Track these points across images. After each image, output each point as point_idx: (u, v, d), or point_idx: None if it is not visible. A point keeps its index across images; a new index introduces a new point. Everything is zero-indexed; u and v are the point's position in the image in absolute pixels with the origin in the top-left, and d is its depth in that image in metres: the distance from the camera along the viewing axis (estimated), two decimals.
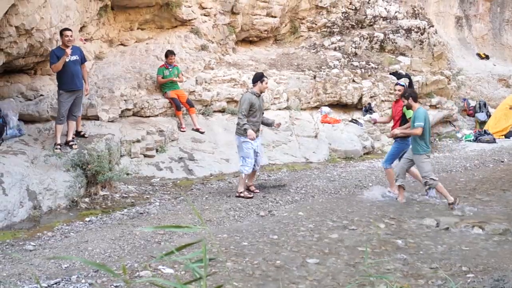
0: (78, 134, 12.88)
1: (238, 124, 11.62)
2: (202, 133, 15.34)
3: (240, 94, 16.57)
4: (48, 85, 13.86)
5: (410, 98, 11.50)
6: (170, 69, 15.51)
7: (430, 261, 7.75)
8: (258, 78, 11.75)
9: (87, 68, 13.30)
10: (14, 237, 9.02)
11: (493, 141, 20.78)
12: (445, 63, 23.94)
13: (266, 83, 12.00)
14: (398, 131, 11.48)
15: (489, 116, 23.38)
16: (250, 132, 11.36)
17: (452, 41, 28.66)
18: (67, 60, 11.89)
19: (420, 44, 22.12)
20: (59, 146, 11.90)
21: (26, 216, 10.04)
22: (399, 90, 12.30)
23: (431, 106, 21.99)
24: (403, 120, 12.28)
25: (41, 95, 13.55)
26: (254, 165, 11.82)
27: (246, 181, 11.86)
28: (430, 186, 11.59)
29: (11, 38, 11.73)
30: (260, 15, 20.24)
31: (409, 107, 11.64)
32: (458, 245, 8.55)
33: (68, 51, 11.94)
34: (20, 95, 13.42)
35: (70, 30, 12.33)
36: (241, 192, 11.53)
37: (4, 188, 9.94)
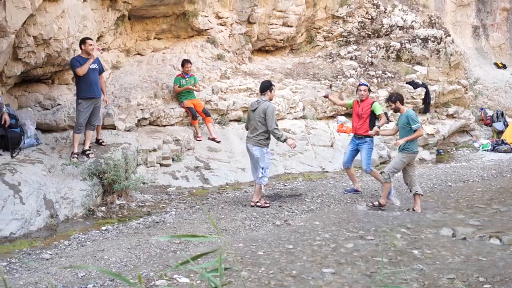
0: (97, 141, 12.97)
1: (259, 135, 11.38)
2: (218, 142, 15.36)
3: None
4: (65, 94, 13.95)
5: (397, 101, 11.66)
6: (187, 79, 15.54)
7: (446, 271, 7.69)
8: (268, 86, 11.66)
9: (104, 78, 13.35)
10: (31, 246, 9.05)
11: (511, 150, 20.63)
12: (462, 73, 23.88)
13: (274, 91, 12.05)
14: (402, 141, 11.47)
15: (506, 125, 23.20)
16: (292, 141, 11.69)
17: (469, 50, 28.57)
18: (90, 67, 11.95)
19: (437, 54, 22.06)
20: (76, 155, 11.95)
21: (43, 225, 10.09)
22: (364, 90, 12.64)
23: (448, 115, 21.93)
24: (371, 119, 12.67)
25: (59, 104, 13.62)
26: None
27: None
28: (382, 178, 11.73)
29: (29, 48, 11.82)
30: (276, 24, 20.30)
31: (397, 110, 11.84)
32: (475, 256, 8.48)
33: (94, 54, 12.04)
34: (38, 105, 13.51)
35: (91, 39, 12.40)
36: (257, 202, 11.49)
37: (21, 196, 9.99)
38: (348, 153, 12.92)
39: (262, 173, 11.46)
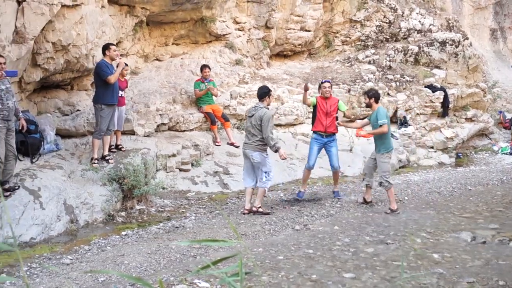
0: (116, 147, 13.02)
1: (258, 140, 11.12)
2: (237, 147, 15.35)
3: (275, 108, 16.62)
4: (84, 100, 14.02)
5: (373, 98, 11.80)
6: (206, 83, 15.58)
7: (466, 275, 7.62)
8: (266, 93, 11.40)
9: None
10: (52, 251, 9.08)
11: None
12: (481, 76, 23.76)
13: (272, 96, 12.00)
14: (364, 132, 11.70)
15: None
16: (283, 151, 11.38)
17: (487, 53, 28.43)
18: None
19: (455, 57, 21.97)
20: (96, 161, 11.99)
21: (63, 230, 10.12)
22: (328, 87, 12.61)
23: (466, 119, 21.83)
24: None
25: (78, 110, 13.70)
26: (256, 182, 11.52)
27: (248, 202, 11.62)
28: (383, 188, 11.76)
29: (48, 54, 11.90)
30: (294, 29, 20.31)
31: (369, 106, 12.05)
32: (495, 259, 8.40)
33: (122, 62, 12.08)
34: (57, 110, 13.60)
35: (114, 44, 12.45)
36: (259, 207, 11.33)
37: (41, 202, 10.04)
38: (315, 154, 12.65)
39: (266, 177, 11.28)
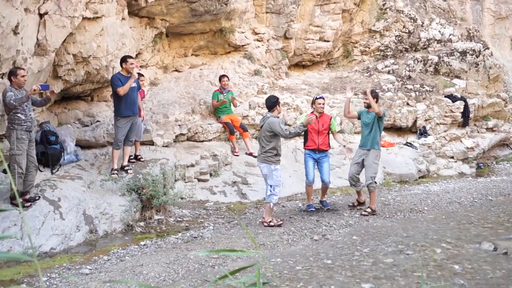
0: (136, 157, 13.09)
1: (266, 152, 11.02)
2: (255, 157, 15.30)
3: (294, 118, 16.62)
4: (104, 111, 14.13)
5: (376, 98, 12.21)
6: (225, 94, 15.62)
7: (487, 286, 7.57)
8: (275, 102, 11.28)
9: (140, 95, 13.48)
10: (71, 261, 9.14)
11: None
12: (502, 86, 23.59)
13: (281, 105, 11.97)
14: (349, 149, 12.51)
15: None
16: (309, 116, 11.13)
17: (508, 63, 28.21)
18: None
19: (476, 67, 21.85)
20: (115, 172, 12.06)
21: (83, 240, 10.19)
22: (322, 104, 12.53)
23: (487, 129, 21.68)
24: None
25: (98, 121, 13.80)
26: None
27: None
28: (370, 189, 12.02)
29: (69, 66, 12.02)
30: (313, 39, 20.34)
31: (369, 106, 12.24)
32: None
33: (135, 74, 12.13)
34: (77, 121, 13.71)
35: (132, 57, 12.52)
36: (270, 221, 11.22)
37: (61, 212, 10.12)
38: (312, 168, 12.52)
39: (270, 191, 11.10)
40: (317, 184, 12.87)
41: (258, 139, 11.63)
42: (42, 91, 10.20)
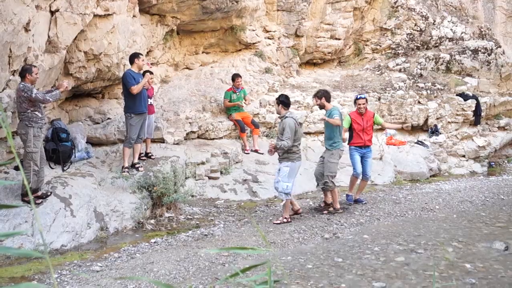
0: (146, 155, 13.10)
1: (291, 150, 11.07)
2: (261, 154, 15.34)
3: (304, 117, 16.61)
4: (115, 108, 14.14)
5: (323, 98, 12.00)
6: (238, 93, 15.60)
7: (499, 285, 7.53)
8: (289, 101, 11.44)
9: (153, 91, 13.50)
10: (82, 258, 9.15)
11: None
12: None
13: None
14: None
15: None
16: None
17: None
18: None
19: (488, 65, 21.74)
20: (127, 169, 12.07)
21: (93, 237, 10.20)
22: (363, 104, 12.67)
23: (499, 127, 21.56)
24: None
25: (108, 118, 13.82)
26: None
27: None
28: (327, 188, 11.97)
29: (80, 63, 12.04)
30: (324, 37, 20.29)
31: (322, 106, 12.13)
32: None
33: (148, 75, 12.13)
34: (88, 119, 13.73)
35: (141, 54, 12.52)
36: (284, 217, 11.35)
37: (72, 209, 10.14)
38: (359, 161, 12.75)
39: (289, 189, 11.22)
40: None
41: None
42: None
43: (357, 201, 12.91)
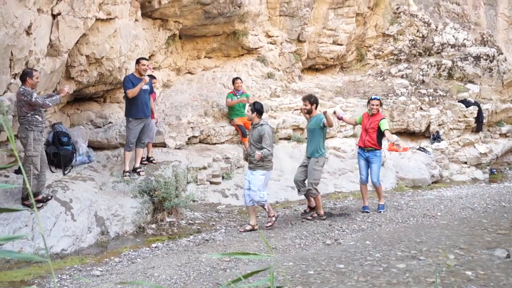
0: (148, 159, 13.06)
1: (267, 158, 10.96)
2: None
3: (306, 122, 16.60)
4: (116, 112, 14.12)
5: (315, 104, 12.08)
6: (238, 96, 15.58)
7: None
8: (263, 109, 11.38)
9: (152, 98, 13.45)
10: (82, 262, 9.12)
11: None
12: None
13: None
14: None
15: None
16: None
17: None
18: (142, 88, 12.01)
19: (489, 72, 21.75)
20: (128, 173, 12.03)
21: (94, 242, 10.17)
22: (376, 105, 12.61)
23: (501, 134, 21.57)
24: (378, 133, 12.64)
25: (110, 122, 13.80)
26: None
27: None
28: (311, 195, 11.99)
29: (82, 67, 12.02)
30: (326, 43, 20.30)
31: (310, 112, 12.08)
32: None
33: (146, 78, 12.07)
34: (90, 123, 13.71)
35: (146, 59, 12.49)
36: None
37: (72, 213, 10.11)
38: (364, 167, 12.75)
39: (264, 195, 11.23)
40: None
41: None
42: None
43: (379, 208, 12.86)
